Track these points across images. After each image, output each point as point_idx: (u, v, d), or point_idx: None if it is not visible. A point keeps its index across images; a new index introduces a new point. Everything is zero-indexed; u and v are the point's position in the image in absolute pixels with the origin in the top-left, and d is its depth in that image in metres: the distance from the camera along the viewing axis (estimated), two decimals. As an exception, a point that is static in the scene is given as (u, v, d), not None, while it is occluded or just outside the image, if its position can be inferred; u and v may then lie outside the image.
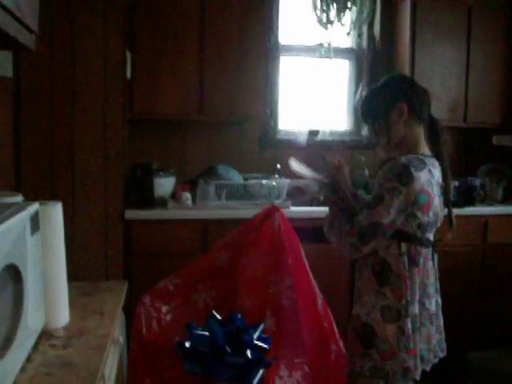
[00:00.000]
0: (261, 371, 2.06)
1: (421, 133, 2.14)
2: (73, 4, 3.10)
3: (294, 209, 3.64)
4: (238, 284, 2.54)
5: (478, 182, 4.13)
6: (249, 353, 2.02)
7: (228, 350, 2.02)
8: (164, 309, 2.48)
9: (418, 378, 2.12)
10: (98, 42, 3.16)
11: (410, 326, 2.06)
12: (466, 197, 4.05)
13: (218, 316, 2.21)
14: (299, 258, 2.60)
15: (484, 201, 4.14)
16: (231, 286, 2.55)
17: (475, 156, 4.58)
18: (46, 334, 1.62)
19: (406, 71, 4.08)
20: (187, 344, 2.05)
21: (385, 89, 2.16)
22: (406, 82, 2.22)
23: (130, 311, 2.56)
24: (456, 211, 3.79)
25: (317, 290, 2.61)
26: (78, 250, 3.08)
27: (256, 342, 2.08)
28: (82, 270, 3.04)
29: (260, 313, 2.43)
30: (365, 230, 1.95)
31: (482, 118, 4.31)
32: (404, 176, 1.95)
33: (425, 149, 2.14)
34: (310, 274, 2.62)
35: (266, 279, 2.51)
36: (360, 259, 2.09)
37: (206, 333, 2.08)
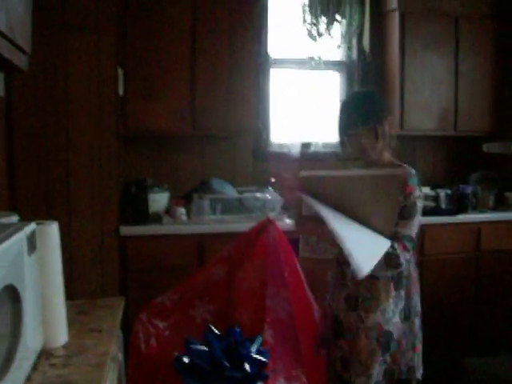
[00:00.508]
0: (259, 384, 2.07)
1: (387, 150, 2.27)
2: (65, 22, 3.11)
3: (288, 221, 3.66)
4: (234, 298, 2.55)
5: (469, 189, 4.16)
6: (247, 366, 2.02)
7: (226, 364, 2.02)
8: (162, 325, 2.48)
9: (420, 377, 2.18)
10: (91, 59, 3.17)
11: (418, 324, 2.15)
12: (459, 204, 4.08)
13: (215, 330, 2.21)
14: (295, 271, 2.60)
15: (476, 208, 4.17)
16: (228, 300, 2.56)
17: (466, 164, 4.61)
18: (45, 354, 1.62)
19: (396, 82, 4.13)
20: (186, 359, 2.05)
21: (375, 98, 2.22)
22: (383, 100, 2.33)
23: (126, 327, 2.56)
24: (449, 219, 3.90)
25: (313, 302, 2.62)
26: (73, 268, 3.09)
27: (254, 356, 2.09)
28: (79, 287, 3.04)
29: (257, 326, 2.43)
30: (413, 240, 2.08)
31: (472, 127, 4.36)
32: (420, 183, 2.14)
33: (393, 159, 2.29)
34: (306, 286, 2.63)
35: (263, 292, 2.52)
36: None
37: (205, 347, 2.08)
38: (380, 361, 2.12)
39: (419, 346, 2.20)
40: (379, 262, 1.93)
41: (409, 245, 2.06)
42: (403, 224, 2.07)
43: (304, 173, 1.89)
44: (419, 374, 2.20)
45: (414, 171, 2.15)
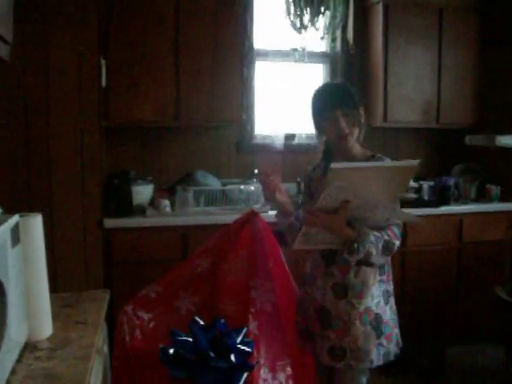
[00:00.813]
0: (245, 375, 2.08)
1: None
2: (47, 12, 3.08)
3: (272, 213, 3.66)
4: (219, 289, 2.56)
5: (452, 181, 4.19)
6: (232, 357, 2.03)
7: (212, 354, 2.03)
8: (147, 317, 2.48)
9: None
10: (73, 50, 3.15)
11: (394, 301, 2.28)
12: (441, 196, 4.12)
13: (200, 321, 2.22)
14: (279, 262, 2.62)
15: (458, 200, 4.21)
16: (213, 291, 2.56)
17: (449, 156, 4.65)
18: (29, 346, 1.61)
19: (380, 74, 4.14)
20: (171, 350, 2.06)
21: (351, 87, 2.27)
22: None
23: (111, 320, 2.56)
24: (431, 210, 3.94)
25: (298, 293, 2.63)
26: (57, 260, 3.07)
27: (239, 346, 2.10)
28: (63, 280, 3.04)
29: (242, 317, 2.44)
30: (401, 228, 2.16)
31: (454, 119, 4.39)
32: None
33: (363, 148, 2.32)
34: (291, 277, 2.64)
35: (247, 284, 2.53)
36: None
37: (190, 339, 2.09)
38: (377, 344, 2.17)
39: (397, 324, 2.31)
40: (378, 249, 2.03)
41: (398, 233, 2.12)
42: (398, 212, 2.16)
43: (335, 165, 1.94)
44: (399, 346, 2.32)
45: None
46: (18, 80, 3.07)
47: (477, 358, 3.89)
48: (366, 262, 2.07)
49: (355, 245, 2.00)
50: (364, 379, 2.28)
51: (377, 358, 2.19)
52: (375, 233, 2.04)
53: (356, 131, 2.21)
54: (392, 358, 2.25)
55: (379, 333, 2.19)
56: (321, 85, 2.34)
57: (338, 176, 1.93)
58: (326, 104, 2.21)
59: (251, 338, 2.33)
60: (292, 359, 2.47)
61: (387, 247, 2.06)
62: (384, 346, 2.20)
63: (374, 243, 2.02)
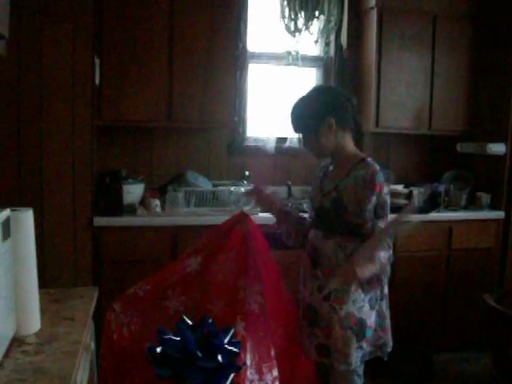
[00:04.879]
0: (232, 375, 2.08)
1: (348, 137, 2.32)
2: (41, 10, 3.07)
3: (262, 215, 3.66)
4: (207, 290, 2.56)
5: (442, 188, 4.20)
6: (220, 357, 2.03)
7: (199, 354, 2.03)
8: (134, 315, 2.48)
9: (389, 349, 2.33)
10: (67, 47, 3.14)
11: (385, 306, 2.24)
12: (431, 203, 4.13)
13: (188, 321, 2.21)
14: (269, 264, 2.62)
15: (448, 207, 4.22)
16: (201, 291, 2.56)
17: (440, 163, 4.67)
18: (17, 341, 1.60)
19: (373, 79, 4.15)
20: (158, 349, 2.05)
21: (313, 103, 2.29)
22: (332, 95, 2.35)
23: (99, 318, 2.55)
24: (421, 217, 3.94)
25: (287, 295, 2.64)
26: (46, 257, 3.06)
27: (227, 347, 2.10)
28: (51, 277, 3.02)
29: (230, 318, 2.44)
30: (392, 236, 2.21)
31: (446, 126, 4.40)
32: (386, 178, 2.22)
33: (357, 151, 2.33)
34: (281, 279, 2.65)
35: (236, 285, 2.53)
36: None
37: (177, 338, 2.08)
38: (356, 348, 2.18)
39: (388, 327, 2.32)
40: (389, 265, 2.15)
41: (390, 242, 2.16)
42: (382, 222, 2.15)
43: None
44: (388, 348, 2.33)
45: (378, 167, 2.20)
46: (10, 75, 3.06)
47: (464, 365, 3.92)
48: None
49: (380, 276, 2.13)
50: (357, 379, 2.29)
51: (355, 360, 2.21)
52: (383, 254, 2.07)
53: (314, 151, 2.32)
54: (368, 358, 2.29)
55: (361, 337, 2.21)
56: (294, 101, 2.38)
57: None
58: (292, 126, 2.38)
59: (238, 338, 2.33)
60: (280, 361, 2.47)
61: (390, 260, 2.16)
62: (362, 349, 2.23)
63: (387, 264, 2.08)
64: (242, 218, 2.60)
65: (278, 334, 2.56)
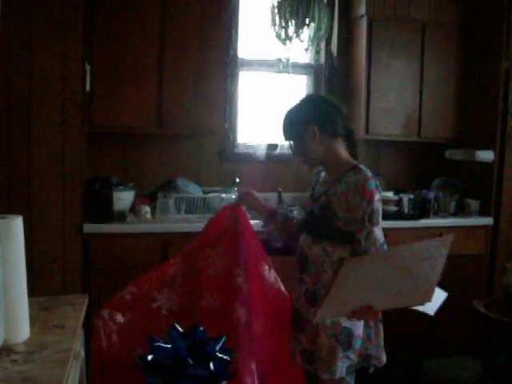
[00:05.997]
0: (223, 383, 2.07)
1: (339, 144, 2.30)
2: (31, 15, 3.06)
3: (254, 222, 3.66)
4: (199, 286, 2.53)
5: (431, 195, 4.23)
6: (211, 365, 2.03)
7: (190, 361, 2.02)
8: (123, 320, 2.45)
9: (379, 365, 2.29)
10: (57, 53, 3.13)
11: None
12: (421, 209, 4.15)
13: (179, 328, 2.20)
14: (259, 255, 2.60)
15: (438, 213, 4.25)
16: (191, 290, 2.54)
17: (429, 170, 4.69)
18: (5, 350, 1.59)
19: (362, 87, 4.18)
20: (149, 357, 2.04)
21: (297, 112, 2.32)
22: (315, 103, 2.35)
23: (88, 325, 2.53)
24: (411, 223, 3.95)
25: (277, 290, 2.61)
26: (36, 264, 3.04)
27: (218, 354, 2.09)
28: (40, 284, 3.00)
29: (228, 307, 2.42)
30: (385, 245, 2.19)
31: (435, 133, 4.43)
32: (377, 185, 2.18)
33: (349, 158, 2.31)
34: (267, 274, 2.63)
35: (229, 274, 2.50)
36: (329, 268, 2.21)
37: (168, 345, 2.07)
38: (341, 357, 2.15)
39: (374, 339, 2.26)
40: None
41: (383, 250, 2.16)
42: (375, 230, 2.14)
43: (349, 260, 2.03)
44: (378, 362, 2.27)
45: (370, 174, 2.18)
46: (1, 82, 3.04)
47: (454, 371, 3.93)
48: None
49: None
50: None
51: (339, 370, 2.17)
52: None
53: (301, 158, 2.34)
54: (353, 369, 2.24)
55: (347, 346, 2.18)
56: (286, 111, 2.40)
57: (352, 267, 1.97)
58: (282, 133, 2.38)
59: (240, 326, 2.34)
60: (270, 361, 2.48)
61: None
62: (350, 359, 2.19)
63: None
64: (234, 208, 2.58)
65: (261, 330, 2.53)
